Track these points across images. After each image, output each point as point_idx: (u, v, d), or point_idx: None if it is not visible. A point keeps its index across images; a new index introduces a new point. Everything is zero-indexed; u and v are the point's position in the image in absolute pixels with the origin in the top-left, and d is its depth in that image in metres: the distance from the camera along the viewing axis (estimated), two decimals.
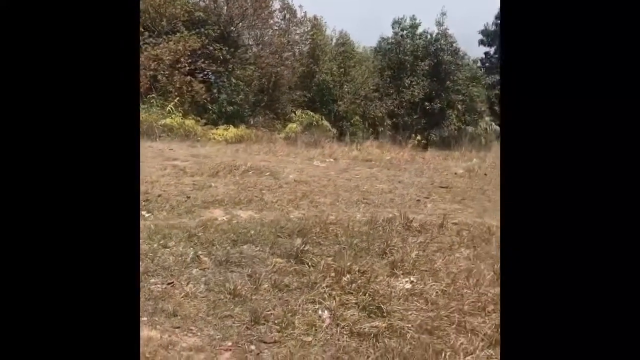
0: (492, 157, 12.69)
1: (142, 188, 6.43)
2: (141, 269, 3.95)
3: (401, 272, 4.30)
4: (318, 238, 5.03)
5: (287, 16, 22.58)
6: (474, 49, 29.48)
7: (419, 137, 21.70)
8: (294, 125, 19.68)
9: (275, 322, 3.46)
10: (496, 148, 15.18)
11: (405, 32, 22.93)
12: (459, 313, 3.63)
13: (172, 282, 3.92)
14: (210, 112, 19.75)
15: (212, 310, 3.55)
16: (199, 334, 3.28)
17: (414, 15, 22.89)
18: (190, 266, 4.23)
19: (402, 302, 3.79)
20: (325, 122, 20.59)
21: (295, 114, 20.63)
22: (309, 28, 22.50)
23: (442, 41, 22.65)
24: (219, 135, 17.09)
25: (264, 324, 3.44)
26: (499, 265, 4.47)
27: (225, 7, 20.86)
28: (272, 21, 22.55)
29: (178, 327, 3.32)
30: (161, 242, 4.65)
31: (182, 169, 8.29)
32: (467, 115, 22.46)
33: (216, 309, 3.56)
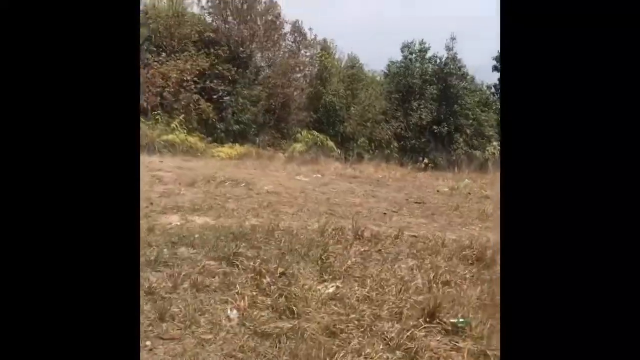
0: (488, 179, 12.50)
1: None
2: None
3: (330, 277, 4.22)
4: (260, 243, 4.98)
5: (298, 38, 22.91)
6: (487, 75, 29.28)
7: (425, 160, 21.65)
8: (299, 144, 19.80)
9: (181, 320, 3.41)
10: (497, 171, 14.92)
11: (414, 55, 22.97)
12: (373, 317, 3.53)
13: None
14: (219, 130, 20.02)
15: None
16: None
17: (422, 40, 22.95)
18: None
19: (318, 305, 3.70)
20: (331, 143, 20.64)
21: (301, 134, 20.77)
22: (318, 50, 22.75)
23: (451, 65, 22.62)
24: (224, 152, 17.28)
25: (169, 321, 3.39)
26: (434, 275, 4.37)
27: (236, 28, 21.24)
28: (282, 43, 22.91)
29: None
30: None
31: (160, 179, 8.34)
32: (475, 140, 22.24)
33: None
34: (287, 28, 22.73)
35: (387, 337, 3.29)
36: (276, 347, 3.14)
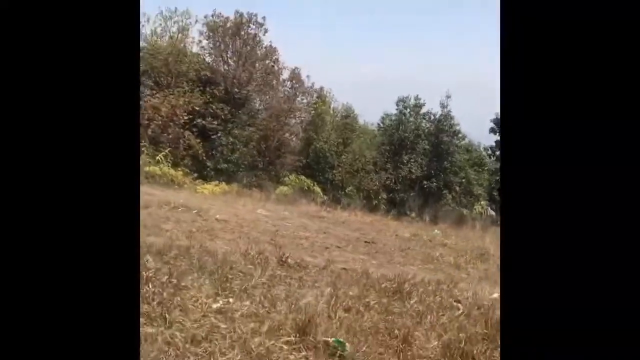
0: (461, 232, 12.33)
1: None
2: None
3: (225, 293, 4.06)
4: (172, 259, 4.83)
5: (295, 85, 23.31)
6: (484, 136, 29.49)
7: (413, 214, 21.50)
8: (286, 188, 19.76)
9: None
10: (481, 230, 14.79)
11: (408, 110, 23.26)
12: (248, 332, 3.36)
13: None
14: (208, 168, 20.12)
15: None
16: None
17: (417, 95, 23.29)
18: None
19: (197, 316, 3.54)
20: (317, 189, 20.61)
21: (289, 177, 20.80)
22: (313, 98, 23.09)
23: (444, 122, 22.84)
24: (208, 189, 17.23)
25: None
26: (338, 301, 4.20)
27: (234, 70, 21.69)
28: (280, 88, 23.31)
29: None
30: None
31: None
32: (463, 198, 22.15)
33: None
34: (286, 74, 23.21)
35: (251, 348, 3.13)
36: None
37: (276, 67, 22.75)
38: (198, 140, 19.58)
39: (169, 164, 17.39)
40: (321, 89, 23.46)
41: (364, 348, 3.38)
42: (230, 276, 4.47)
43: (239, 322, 3.53)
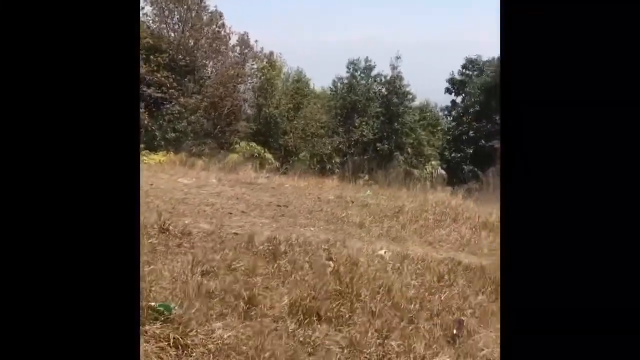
0: (397, 193, 12.43)
1: None
2: None
3: None
4: None
5: (243, 50, 22.92)
6: (440, 97, 29.66)
7: (366, 177, 21.65)
8: (236, 155, 19.63)
9: None
10: (420, 189, 14.92)
11: (359, 72, 23.14)
12: None
13: None
14: (157, 138, 19.85)
15: None
16: None
17: (367, 57, 23.15)
18: None
19: None
20: (269, 155, 20.53)
21: (239, 145, 20.65)
22: (264, 63, 22.76)
23: (395, 84, 22.82)
24: (154, 160, 17.03)
25: None
26: (198, 265, 4.22)
27: (179, 37, 21.19)
28: (230, 54, 22.90)
29: None
30: None
31: None
32: (414, 158, 22.36)
33: None
34: (234, 39, 22.77)
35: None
36: None
37: (223, 32, 22.30)
38: (143, 110, 19.23)
39: None
40: (271, 53, 23.13)
41: (197, 310, 3.41)
42: None
43: None
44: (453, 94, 29.64)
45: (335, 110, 22.71)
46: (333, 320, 3.72)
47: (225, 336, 3.22)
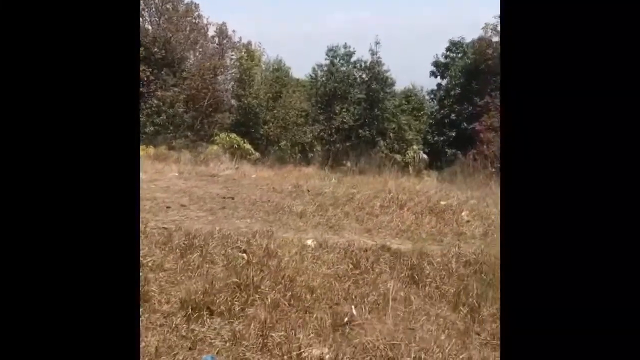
0: (370, 180, 12.39)
1: None
2: None
3: None
4: None
5: (222, 40, 22.81)
6: (424, 80, 29.49)
7: (349, 164, 21.60)
8: (215, 147, 19.59)
9: None
10: (395, 175, 14.86)
11: (338, 59, 23.01)
12: None
13: None
14: None
15: None
16: None
17: (346, 43, 23.01)
18: None
19: None
20: (248, 146, 20.47)
21: (219, 136, 20.60)
22: (242, 53, 22.65)
23: (375, 69, 22.70)
24: None
25: None
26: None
27: (155, 29, 21.08)
28: (208, 45, 22.79)
29: None
30: None
31: None
32: (396, 144, 22.30)
33: None
34: (212, 30, 22.66)
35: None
36: None
37: (200, 24, 22.19)
38: None
39: None
40: (249, 43, 23.02)
41: None
42: None
43: None
44: (438, 77, 29.50)
45: (316, 98, 22.63)
46: (225, 313, 3.71)
47: None
